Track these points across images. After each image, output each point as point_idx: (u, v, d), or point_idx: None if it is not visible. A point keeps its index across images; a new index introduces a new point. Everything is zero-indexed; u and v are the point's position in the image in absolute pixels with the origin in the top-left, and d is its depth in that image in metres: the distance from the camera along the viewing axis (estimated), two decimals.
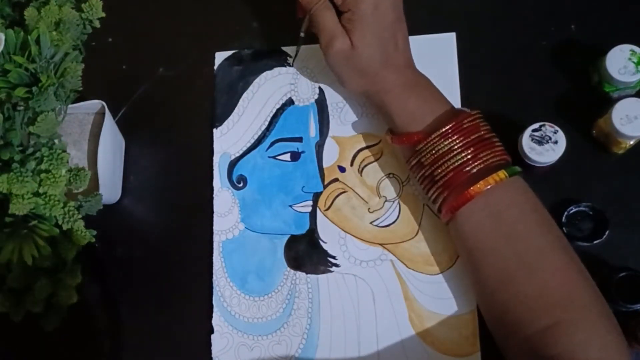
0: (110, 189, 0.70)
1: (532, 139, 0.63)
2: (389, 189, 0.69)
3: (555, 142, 0.62)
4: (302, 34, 0.66)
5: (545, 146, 0.62)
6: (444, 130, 0.58)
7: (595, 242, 0.64)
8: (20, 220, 0.58)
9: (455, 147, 0.58)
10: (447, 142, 0.58)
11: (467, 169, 0.58)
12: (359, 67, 0.62)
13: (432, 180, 0.59)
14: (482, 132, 0.59)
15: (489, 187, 0.57)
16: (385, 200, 0.69)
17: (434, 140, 0.59)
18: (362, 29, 0.60)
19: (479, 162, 0.58)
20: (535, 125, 0.63)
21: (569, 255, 0.57)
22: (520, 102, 0.69)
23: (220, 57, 0.75)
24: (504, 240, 0.57)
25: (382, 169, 0.69)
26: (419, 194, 0.68)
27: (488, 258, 0.57)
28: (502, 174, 0.57)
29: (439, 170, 0.58)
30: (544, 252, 0.56)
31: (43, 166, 0.58)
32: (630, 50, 0.63)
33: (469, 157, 0.58)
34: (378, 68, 0.61)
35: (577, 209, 0.65)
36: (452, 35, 0.71)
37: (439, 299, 0.63)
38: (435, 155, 0.59)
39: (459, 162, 0.58)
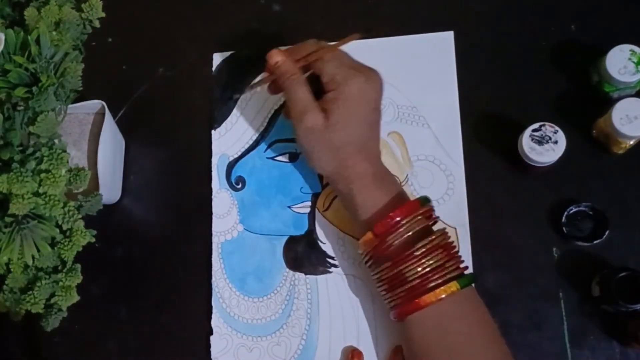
0: (110, 189, 0.70)
1: (532, 139, 0.63)
2: None
3: (555, 142, 0.62)
4: (255, 86, 0.66)
5: (545, 146, 0.62)
6: (402, 256, 0.56)
7: (595, 242, 0.64)
8: (20, 220, 0.58)
9: (412, 272, 0.56)
10: (403, 267, 0.56)
11: (423, 284, 0.56)
12: (331, 145, 0.60)
13: (391, 287, 0.58)
14: (448, 242, 0.58)
15: (439, 298, 0.56)
16: None
17: (395, 264, 0.57)
18: (345, 110, 0.59)
19: (439, 275, 0.56)
20: (535, 125, 0.63)
21: None
22: (520, 102, 0.69)
23: (218, 58, 0.75)
24: (447, 353, 0.56)
25: None
26: (418, 194, 0.68)
27: None
28: (454, 286, 0.56)
29: (395, 290, 0.57)
30: None
31: (43, 166, 0.58)
32: (630, 50, 0.63)
33: (425, 276, 0.56)
34: (352, 152, 0.60)
35: (577, 209, 0.65)
36: (450, 34, 0.71)
37: None
38: (393, 276, 0.57)
39: (416, 282, 0.56)
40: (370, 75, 0.61)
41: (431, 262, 0.56)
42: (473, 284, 0.58)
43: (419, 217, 0.58)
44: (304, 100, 0.60)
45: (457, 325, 0.57)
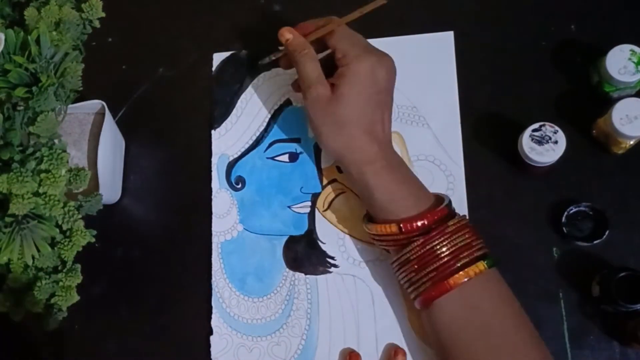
0: (110, 189, 0.70)
1: (532, 139, 0.63)
2: None
3: (555, 142, 0.62)
4: (271, 57, 0.67)
5: (545, 146, 0.62)
6: (434, 234, 0.57)
7: (595, 242, 0.64)
8: (20, 220, 0.58)
9: (443, 249, 0.57)
10: (436, 243, 0.57)
11: (452, 263, 0.56)
12: (336, 119, 0.60)
13: (420, 266, 0.57)
14: (470, 226, 0.59)
15: (469, 277, 0.56)
16: None
17: (427, 241, 0.57)
18: (350, 84, 0.60)
19: (467, 253, 0.57)
20: (535, 125, 0.63)
21: (542, 353, 0.56)
22: (520, 102, 0.69)
23: (218, 58, 0.75)
24: (478, 334, 0.56)
25: None
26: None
27: (462, 352, 0.56)
28: (481, 265, 0.56)
29: (426, 268, 0.57)
30: (518, 348, 0.56)
31: (43, 166, 0.58)
32: (630, 50, 0.63)
33: (455, 253, 0.56)
34: (358, 133, 0.60)
35: (577, 209, 0.65)
36: (450, 34, 0.71)
37: None
38: (424, 253, 0.57)
39: (446, 259, 0.56)
40: (383, 57, 0.62)
41: (460, 240, 0.57)
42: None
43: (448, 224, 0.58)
44: (313, 73, 0.61)
45: (486, 305, 0.57)
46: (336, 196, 0.69)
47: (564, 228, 0.64)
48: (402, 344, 0.65)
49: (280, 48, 0.66)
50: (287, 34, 0.64)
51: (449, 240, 0.57)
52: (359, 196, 0.63)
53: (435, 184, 0.68)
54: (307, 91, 0.61)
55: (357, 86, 0.60)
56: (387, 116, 0.62)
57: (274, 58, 0.68)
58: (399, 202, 0.59)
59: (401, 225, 0.58)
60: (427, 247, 0.57)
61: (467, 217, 0.63)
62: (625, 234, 0.64)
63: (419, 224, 0.57)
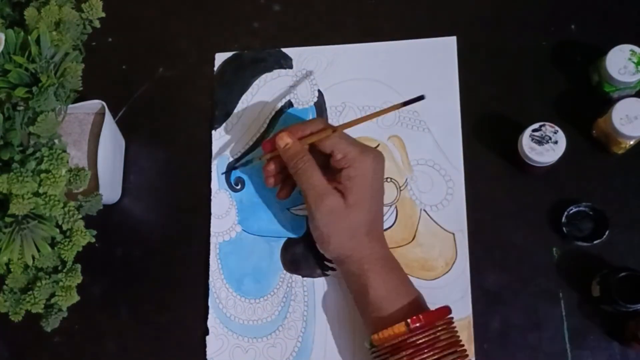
0: (110, 189, 0.70)
1: (532, 139, 0.63)
2: (386, 194, 0.68)
3: (555, 142, 0.62)
4: (253, 161, 0.67)
5: (545, 146, 0.62)
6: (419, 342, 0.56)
7: (595, 242, 0.64)
8: (20, 220, 0.58)
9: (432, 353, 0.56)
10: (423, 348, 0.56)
11: None
12: (350, 226, 0.59)
13: None
14: (457, 338, 0.59)
15: None
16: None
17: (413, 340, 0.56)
18: (362, 187, 0.59)
19: None
20: (535, 125, 0.63)
21: None
22: (520, 102, 0.69)
23: (220, 58, 0.75)
24: None
25: None
26: (417, 198, 0.68)
27: None
28: None
29: None
30: None
31: (43, 166, 0.58)
32: (630, 50, 0.63)
33: None
34: (363, 233, 0.60)
35: (577, 209, 0.65)
36: (453, 40, 0.71)
37: (434, 304, 0.62)
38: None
39: None
40: (378, 154, 0.61)
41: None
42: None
43: (450, 326, 0.58)
44: (320, 183, 0.60)
45: None
46: None
47: (564, 228, 0.64)
48: None
49: (263, 158, 0.65)
50: (286, 138, 0.61)
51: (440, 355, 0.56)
52: (353, 297, 0.62)
53: (434, 189, 0.68)
54: (319, 201, 0.59)
55: (367, 189, 0.59)
56: (382, 208, 0.63)
57: (254, 164, 0.67)
58: (392, 301, 0.59)
59: (408, 322, 0.56)
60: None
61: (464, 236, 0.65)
62: (625, 234, 0.64)
63: (423, 322, 0.56)
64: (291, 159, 0.61)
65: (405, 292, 0.59)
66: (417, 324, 0.56)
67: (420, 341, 0.56)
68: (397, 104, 0.59)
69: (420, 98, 0.57)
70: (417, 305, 0.59)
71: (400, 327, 0.56)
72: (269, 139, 0.64)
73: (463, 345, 0.59)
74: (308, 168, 0.60)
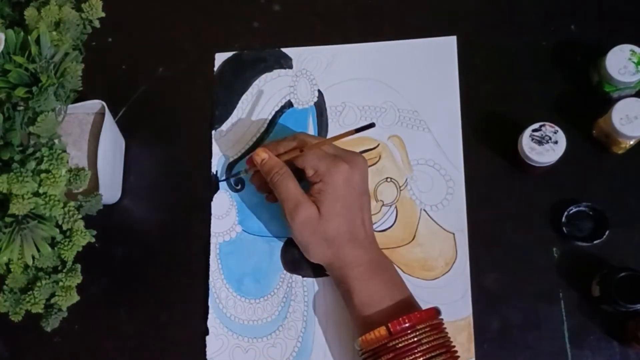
0: (110, 189, 0.70)
1: (532, 139, 0.63)
2: (386, 193, 0.69)
3: (555, 142, 0.62)
4: (240, 173, 0.68)
5: (545, 146, 0.62)
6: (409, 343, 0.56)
7: (595, 242, 0.64)
8: (20, 220, 0.58)
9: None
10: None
11: None
12: (325, 236, 0.61)
13: None
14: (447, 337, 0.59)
15: None
16: (382, 205, 0.69)
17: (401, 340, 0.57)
18: (333, 200, 0.60)
19: None
20: (535, 125, 0.63)
21: None
22: (520, 102, 0.69)
23: (220, 58, 0.75)
24: None
25: (379, 173, 0.69)
26: (416, 198, 0.68)
27: None
28: None
29: None
30: None
31: (43, 166, 0.58)
32: (630, 50, 0.63)
33: None
34: (344, 241, 0.61)
35: (577, 209, 0.65)
36: (453, 39, 0.71)
37: (434, 304, 0.62)
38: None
39: None
40: (353, 161, 0.62)
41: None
42: None
43: (435, 329, 0.58)
44: (295, 194, 0.62)
45: None
46: None
47: (564, 228, 0.64)
48: None
49: (249, 172, 0.67)
50: (262, 154, 0.64)
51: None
52: (342, 298, 0.63)
53: (434, 189, 0.68)
54: (294, 212, 0.61)
55: (338, 200, 0.61)
56: (368, 216, 0.63)
57: (241, 175, 0.69)
58: (376, 304, 0.59)
59: (389, 325, 0.57)
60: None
61: (466, 237, 0.65)
62: (625, 234, 0.64)
63: (406, 325, 0.57)
64: (268, 173, 0.63)
65: (390, 297, 0.60)
66: (399, 327, 0.56)
67: (400, 345, 0.56)
68: (350, 130, 0.61)
69: (371, 126, 0.60)
70: (402, 307, 0.59)
71: (381, 331, 0.57)
72: (250, 155, 0.66)
73: (453, 347, 0.59)
74: (283, 180, 0.62)
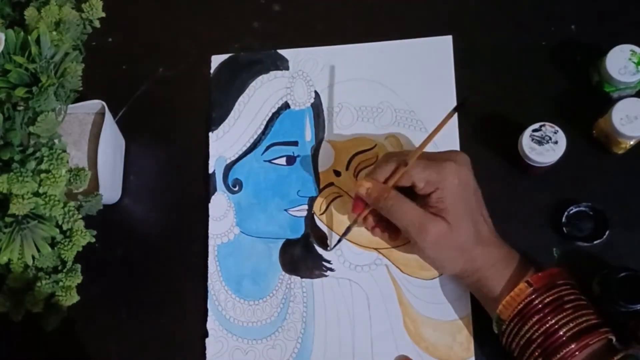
0: (110, 189, 0.70)
1: (532, 139, 0.63)
2: None
3: (555, 142, 0.62)
4: (351, 227, 0.64)
5: (545, 146, 0.62)
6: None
7: (595, 242, 0.64)
8: (20, 220, 0.58)
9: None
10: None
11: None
12: (457, 245, 0.58)
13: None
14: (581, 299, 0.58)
15: None
16: None
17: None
18: (455, 204, 0.57)
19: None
20: (535, 125, 0.63)
21: None
22: (520, 102, 0.69)
23: (216, 60, 0.75)
24: None
25: None
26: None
27: None
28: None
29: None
30: None
31: (43, 166, 0.58)
32: (630, 50, 0.63)
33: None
34: (472, 243, 0.58)
35: (577, 209, 0.65)
36: (449, 39, 0.71)
37: (433, 303, 0.63)
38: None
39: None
40: (457, 158, 0.59)
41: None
42: None
43: (575, 288, 0.58)
44: (415, 214, 0.58)
45: None
46: (333, 200, 0.69)
47: (564, 228, 0.64)
48: (396, 348, 0.65)
49: (359, 220, 0.63)
50: (365, 183, 0.60)
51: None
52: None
53: None
54: (423, 232, 0.57)
55: (459, 202, 0.58)
56: (485, 211, 0.61)
57: (353, 228, 0.65)
58: (512, 288, 0.58)
59: (529, 279, 0.56)
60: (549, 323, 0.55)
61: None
62: (625, 234, 0.64)
63: (549, 275, 0.56)
64: (377, 202, 0.59)
65: (522, 277, 0.58)
66: (539, 281, 0.56)
67: (547, 300, 0.55)
68: (448, 113, 0.59)
69: (465, 101, 0.58)
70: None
71: (521, 287, 0.56)
72: (354, 202, 0.62)
73: (593, 312, 0.57)
74: (396, 202, 0.58)
